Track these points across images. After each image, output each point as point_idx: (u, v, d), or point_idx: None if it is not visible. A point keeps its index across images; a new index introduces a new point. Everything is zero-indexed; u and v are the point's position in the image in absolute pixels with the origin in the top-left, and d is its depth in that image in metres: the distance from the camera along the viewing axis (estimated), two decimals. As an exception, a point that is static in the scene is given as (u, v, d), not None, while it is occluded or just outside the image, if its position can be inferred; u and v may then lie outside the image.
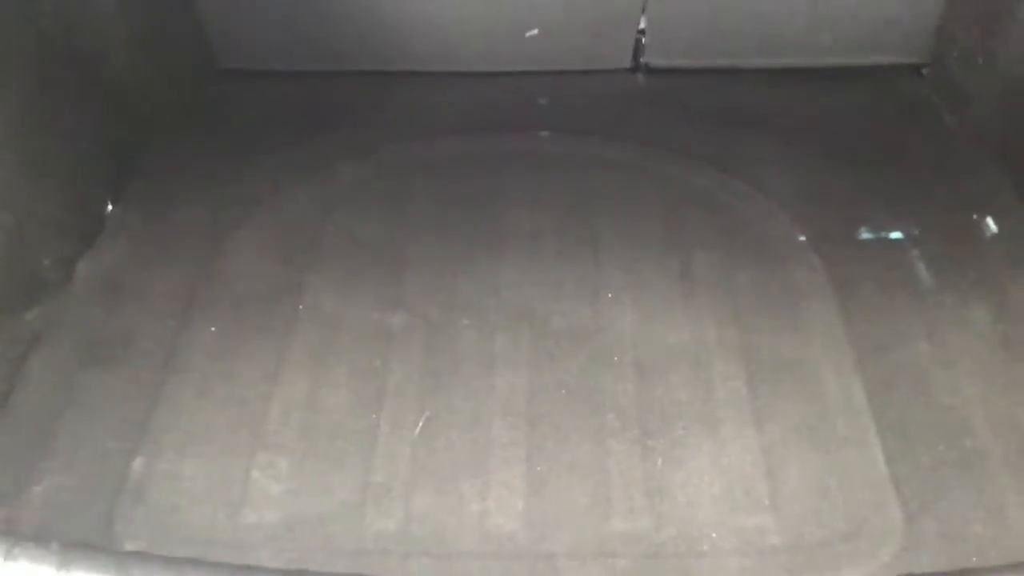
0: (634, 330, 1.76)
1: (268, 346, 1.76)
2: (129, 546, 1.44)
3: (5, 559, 1.06)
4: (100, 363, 1.73)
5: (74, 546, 1.08)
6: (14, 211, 1.76)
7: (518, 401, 1.65)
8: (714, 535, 1.45)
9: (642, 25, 2.31)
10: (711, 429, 1.59)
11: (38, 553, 1.05)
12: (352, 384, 1.69)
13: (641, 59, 2.38)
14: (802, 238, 1.92)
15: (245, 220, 2.01)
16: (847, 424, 1.59)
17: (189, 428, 1.62)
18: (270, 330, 1.78)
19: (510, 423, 1.61)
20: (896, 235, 1.92)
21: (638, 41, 2.35)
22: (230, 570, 1.06)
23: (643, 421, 1.61)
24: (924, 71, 2.35)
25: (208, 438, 1.61)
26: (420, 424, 1.62)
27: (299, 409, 1.65)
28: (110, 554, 1.06)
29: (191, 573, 1.04)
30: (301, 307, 1.83)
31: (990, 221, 1.93)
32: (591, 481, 1.53)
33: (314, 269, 1.90)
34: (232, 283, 1.88)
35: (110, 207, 2.03)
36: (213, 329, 1.78)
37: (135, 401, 1.67)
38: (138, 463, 1.57)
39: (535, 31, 2.31)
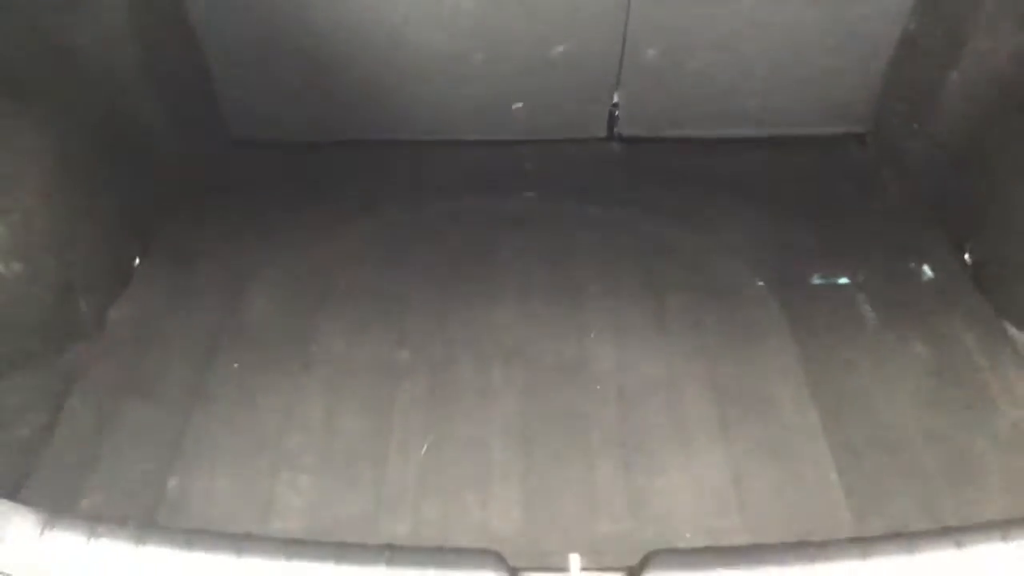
0: (615, 364, 1.98)
1: (286, 381, 1.96)
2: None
3: (89, 538, 1.25)
4: (135, 395, 1.92)
5: (147, 525, 1.27)
6: (57, 259, 1.97)
7: (513, 426, 1.85)
8: (688, 535, 1.65)
9: (615, 100, 2.58)
10: (684, 447, 1.80)
11: (117, 531, 1.24)
12: (363, 412, 1.89)
13: (615, 129, 2.64)
14: (761, 283, 2.16)
15: (261, 272, 2.22)
16: (803, 442, 1.80)
17: (217, 451, 1.81)
18: (287, 367, 1.99)
19: (507, 444, 1.82)
20: (844, 280, 2.16)
21: (612, 113, 2.61)
22: (281, 544, 1.24)
23: (624, 441, 1.81)
24: (867, 138, 2.62)
25: (235, 460, 1.80)
26: (425, 446, 1.82)
27: (316, 434, 1.85)
28: (177, 531, 1.24)
29: (248, 546, 1.23)
30: (314, 347, 2.03)
31: (926, 268, 2.18)
32: (579, 492, 1.73)
33: (325, 314, 2.11)
34: (251, 327, 2.09)
35: (137, 261, 2.24)
36: (236, 366, 1.98)
37: (168, 428, 1.86)
38: (173, 482, 1.75)
39: (520, 104, 2.57)
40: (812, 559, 1.20)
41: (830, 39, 2.39)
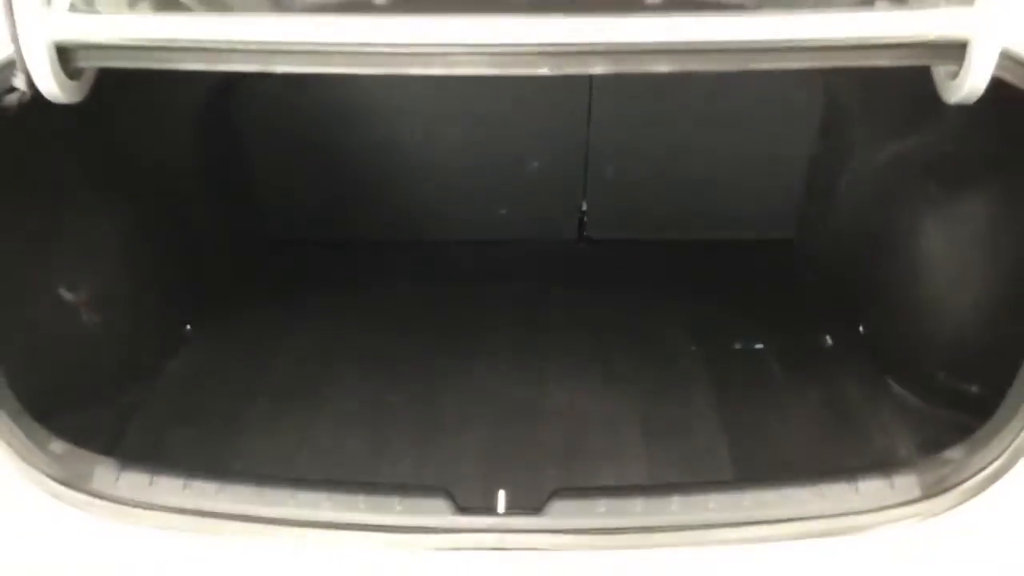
0: (567, 405, 2.45)
1: (304, 414, 2.44)
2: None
3: (150, 484, 1.72)
4: (184, 424, 2.40)
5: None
6: (126, 318, 2.49)
7: (484, 447, 2.32)
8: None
9: (583, 208, 3.14)
10: (616, 462, 2.25)
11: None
12: (361, 437, 2.36)
13: (584, 232, 3.18)
14: (694, 348, 2.64)
15: (286, 339, 2.74)
16: (710, 458, 2.26)
17: (252, 464, 2.28)
18: (306, 403, 2.47)
19: (478, 459, 2.28)
20: (759, 346, 2.64)
21: (581, 219, 3.16)
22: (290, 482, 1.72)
23: (569, 459, 2.27)
24: (793, 237, 3.14)
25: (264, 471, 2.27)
26: (410, 463, 2.29)
27: (322, 454, 2.32)
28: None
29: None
30: (325, 390, 2.52)
31: (828, 338, 2.66)
32: (529, 481, 2.15)
33: (335, 368, 2.61)
34: (277, 376, 2.59)
35: (189, 327, 2.77)
36: (266, 403, 2.48)
37: (212, 448, 2.33)
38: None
39: (504, 210, 3.12)
40: (688, 492, 1.66)
41: (756, 159, 2.95)
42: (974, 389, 2.16)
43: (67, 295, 2.27)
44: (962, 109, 1.74)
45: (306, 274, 3.07)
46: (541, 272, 3.07)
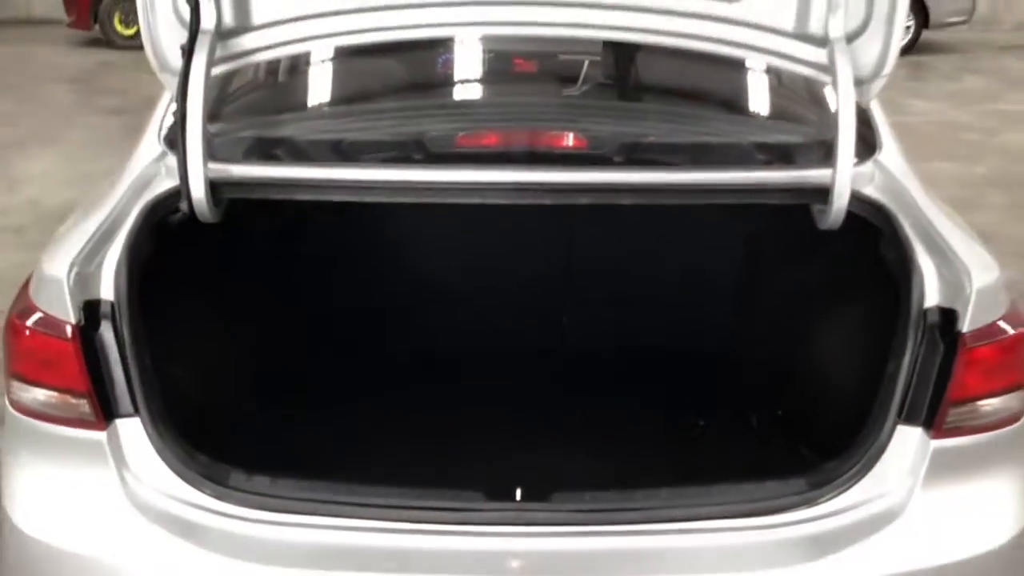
0: (548, 462, 3.07)
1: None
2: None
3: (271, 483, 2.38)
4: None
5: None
6: (201, 389, 3.13)
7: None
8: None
9: (564, 320, 3.90)
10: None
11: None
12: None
13: (565, 341, 3.91)
14: (645, 425, 3.36)
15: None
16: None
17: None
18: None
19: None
20: (702, 423, 3.37)
21: (562, 331, 3.90)
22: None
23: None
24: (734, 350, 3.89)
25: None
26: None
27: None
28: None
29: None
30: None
31: (754, 419, 3.39)
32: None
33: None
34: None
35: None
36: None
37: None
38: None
39: (498, 322, 3.87)
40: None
41: (692, 286, 3.73)
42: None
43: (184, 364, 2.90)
44: (835, 234, 2.57)
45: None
46: (525, 376, 3.64)
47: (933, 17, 14.77)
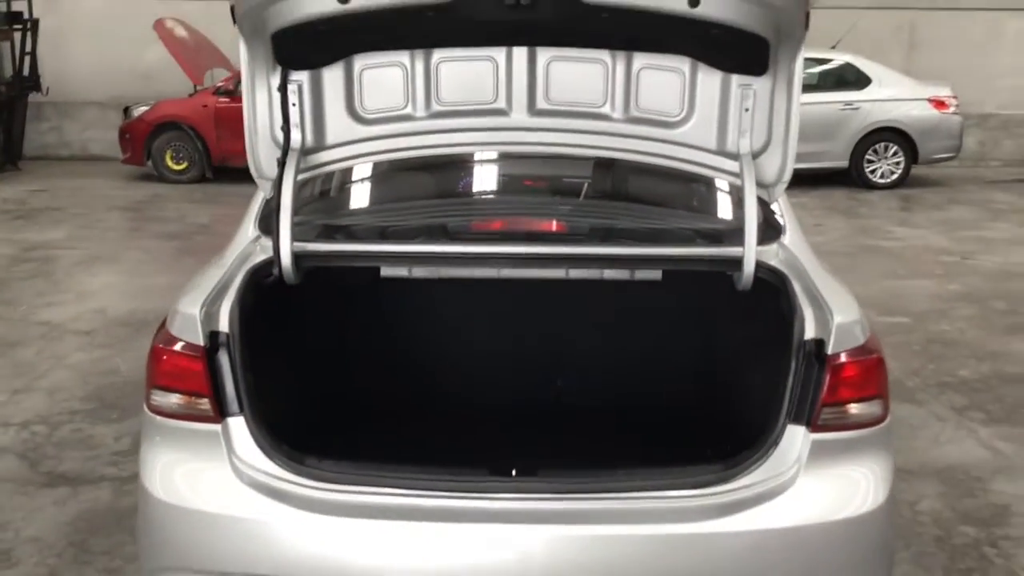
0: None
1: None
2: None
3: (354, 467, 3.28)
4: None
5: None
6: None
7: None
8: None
9: (559, 382, 4.77)
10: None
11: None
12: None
13: (560, 399, 4.76)
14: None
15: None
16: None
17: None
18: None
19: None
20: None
21: (558, 391, 4.77)
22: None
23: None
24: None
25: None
26: None
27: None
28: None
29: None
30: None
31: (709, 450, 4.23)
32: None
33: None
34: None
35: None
36: None
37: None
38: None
39: (499, 385, 4.74)
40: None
41: (659, 348, 4.62)
42: None
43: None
44: (753, 294, 3.49)
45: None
46: (524, 433, 4.25)
47: (922, 153, 15.66)
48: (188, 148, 15.64)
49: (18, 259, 10.62)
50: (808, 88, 15.68)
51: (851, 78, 15.73)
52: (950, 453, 5.94)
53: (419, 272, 3.89)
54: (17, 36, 16.75)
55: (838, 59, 15.91)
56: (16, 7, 16.87)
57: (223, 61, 16.39)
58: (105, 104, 18.29)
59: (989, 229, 12.92)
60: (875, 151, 15.64)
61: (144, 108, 16.01)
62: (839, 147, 15.45)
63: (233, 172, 15.57)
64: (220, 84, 15.80)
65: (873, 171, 15.69)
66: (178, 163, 15.71)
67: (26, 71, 16.91)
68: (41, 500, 5.24)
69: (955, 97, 15.72)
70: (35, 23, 16.80)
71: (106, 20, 18.26)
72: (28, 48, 16.79)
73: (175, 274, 9.75)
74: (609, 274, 3.83)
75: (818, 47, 16.48)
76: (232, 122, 15.26)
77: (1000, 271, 10.55)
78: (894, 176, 15.74)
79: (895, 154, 15.66)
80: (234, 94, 15.37)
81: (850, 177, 15.69)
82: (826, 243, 11.83)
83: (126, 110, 16.36)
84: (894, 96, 15.53)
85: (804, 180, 15.34)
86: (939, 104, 15.59)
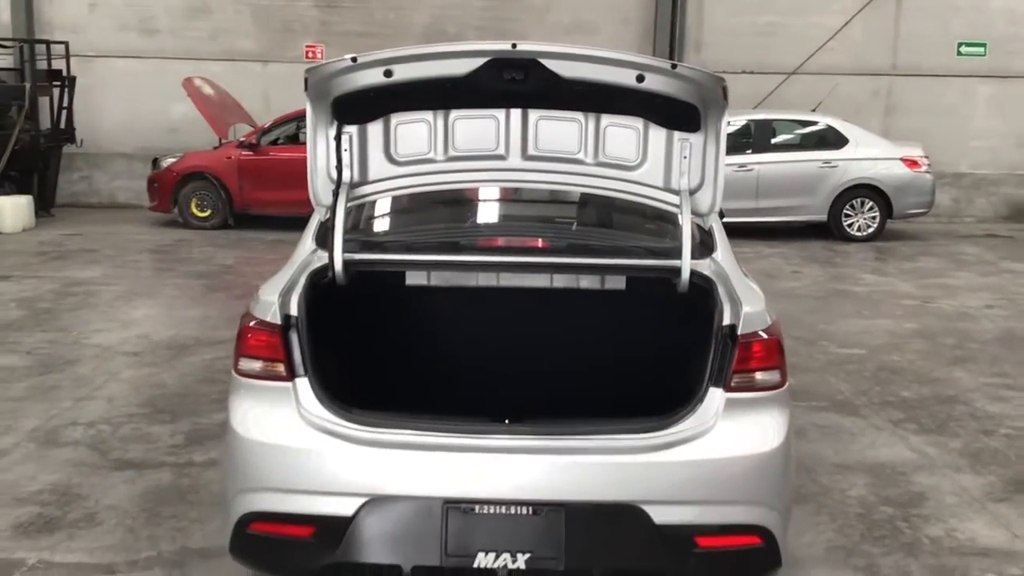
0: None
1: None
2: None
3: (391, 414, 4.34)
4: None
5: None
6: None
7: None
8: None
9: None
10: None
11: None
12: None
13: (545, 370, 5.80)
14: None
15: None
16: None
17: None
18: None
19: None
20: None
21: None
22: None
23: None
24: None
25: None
26: None
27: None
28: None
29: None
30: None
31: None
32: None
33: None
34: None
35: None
36: None
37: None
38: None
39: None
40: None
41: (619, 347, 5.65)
42: None
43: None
44: (690, 296, 4.57)
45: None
46: (515, 387, 5.19)
47: (896, 209, 16.81)
48: (212, 197, 16.83)
49: (63, 293, 11.69)
50: (789, 147, 17.04)
51: (830, 138, 16.92)
52: (882, 454, 6.95)
53: (436, 280, 4.99)
54: (55, 92, 18.05)
55: (819, 121, 17.14)
56: (55, 65, 18.23)
57: (246, 117, 17.69)
58: (132, 155, 19.59)
59: (952, 277, 13.95)
60: (852, 206, 16.77)
61: (172, 159, 17.24)
62: (818, 202, 16.60)
63: (253, 219, 16.81)
64: (243, 138, 17.02)
65: (850, 225, 16.79)
66: (203, 210, 16.89)
67: (62, 124, 18.18)
68: (113, 480, 6.26)
69: (927, 157, 16.89)
70: (72, 80, 18.13)
71: (136, 77, 19.61)
72: (65, 103, 18.07)
73: (207, 307, 10.91)
74: (584, 283, 4.92)
75: (800, 109, 17.82)
76: (254, 173, 16.55)
77: (956, 312, 11.59)
78: (870, 229, 16.83)
79: (871, 209, 16.79)
80: (256, 148, 16.65)
81: (829, 230, 16.81)
82: (801, 287, 12.94)
83: (155, 161, 17.57)
84: (869, 155, 16.71)
85: (786, 232, 16.56)
86: (911, 163, 16.73)
